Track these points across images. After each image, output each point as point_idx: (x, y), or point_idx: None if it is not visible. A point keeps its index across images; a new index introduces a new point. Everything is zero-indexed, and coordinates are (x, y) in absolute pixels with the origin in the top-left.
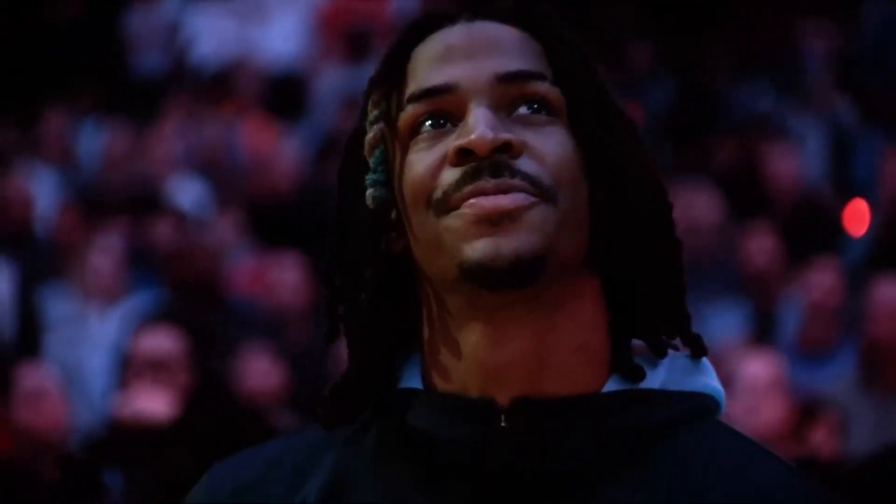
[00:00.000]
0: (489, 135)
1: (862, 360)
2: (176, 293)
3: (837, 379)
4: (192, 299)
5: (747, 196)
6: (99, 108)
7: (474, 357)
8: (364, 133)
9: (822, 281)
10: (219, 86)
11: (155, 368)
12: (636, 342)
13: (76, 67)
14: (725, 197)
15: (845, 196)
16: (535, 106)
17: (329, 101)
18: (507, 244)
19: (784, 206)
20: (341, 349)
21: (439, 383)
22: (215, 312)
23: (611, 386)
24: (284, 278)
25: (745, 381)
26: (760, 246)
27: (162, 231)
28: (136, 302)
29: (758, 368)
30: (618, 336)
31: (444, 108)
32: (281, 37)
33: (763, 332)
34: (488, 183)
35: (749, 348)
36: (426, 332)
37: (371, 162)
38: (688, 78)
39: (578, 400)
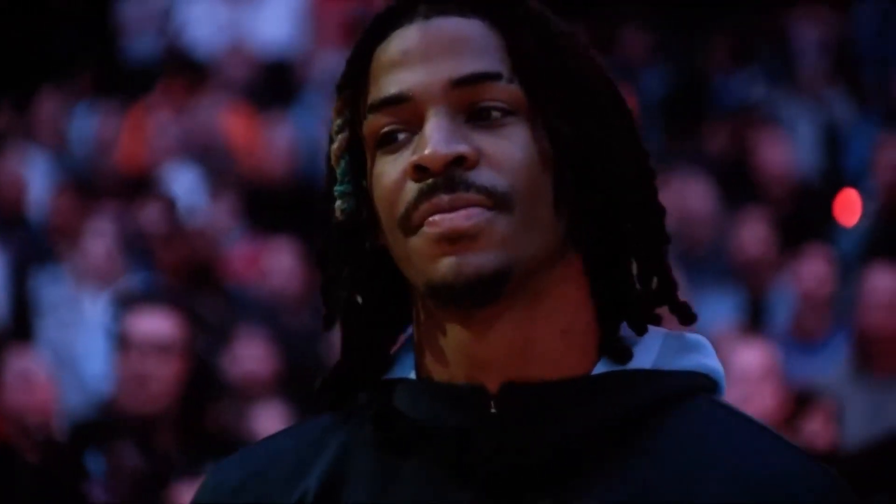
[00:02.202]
0: (441, 150)
1: (855, 349)
2: (169, 277)
3: (830, 368)
4: (185, 284)
5: (740, 184)
6: (92, 93)
7: (459, 349)
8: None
9: (814, 269)
10: (211, 71)
11: (152, 351)
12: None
13: (70, 51)
14: (718, 185)
15: (838, 185)
16: (493, 107)
17: (323, 87)
18: (468, 263)
19: (777, 195)
20: (335, 334)
21: (430, 372)
22: (209, 297)
23: (600, 368)
24: (279, 263)
25: (738, 369)
26: (753, 234)
27: (151, 216)
28: (127, 284)
29: (751, 357)
30: (606, 318)
31: (403, 116)
32: (274, 22)
33: (755, 321)
34: (443, 200)
35: (742, 336)
36: (416, 322)
37: (337, 173)
38: (681, 66)
39: (567, 383)
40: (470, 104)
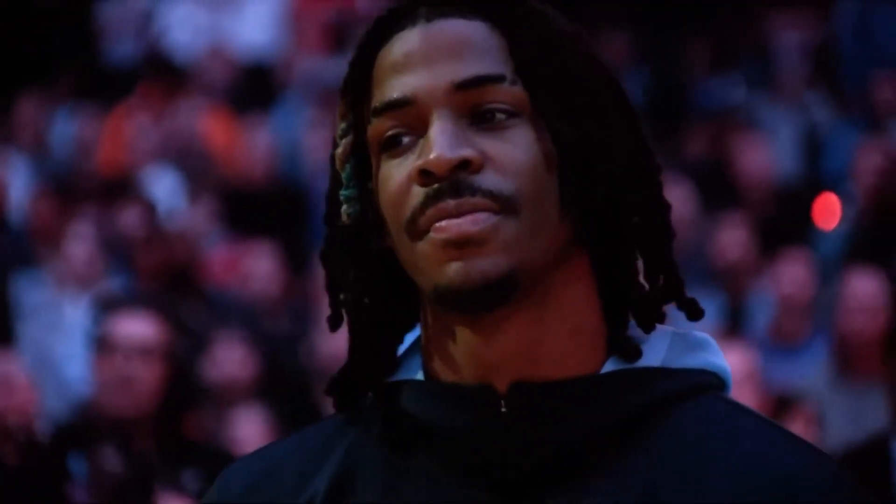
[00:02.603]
0: (446, 155)
1: (835, 353)
2: (148, 281)
3: (810, 372)
4: (165, 287)
5: (719, 188)
6: (73, 96)
7: (468, 351)
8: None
9: (793, 273)
10: (190, 74)
11: (135, 354)
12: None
13: (51, 55)
14: (697, 189)
15: (818, 189)
16: (496, 109)
17: (303, 91)
18: (475, 268)
19: (756, 199)
20: (315, 338)
21: (437, 374)
22: (188, 301)
23: (609, 367)
24: (258, 267)
25: None
26: (732, 238)
27: (130, 219)
28: (108, 288)
29: (730, 361)
30: (614, 316)
31: (407, 120)
32: (254, 26)
33: (735, 325)
34: (449, 205)
35: (721, 340)
36: (423, 324)
37: (343, 177)
38: (661, 69)
39: (576, 382)
40: (473, 107)
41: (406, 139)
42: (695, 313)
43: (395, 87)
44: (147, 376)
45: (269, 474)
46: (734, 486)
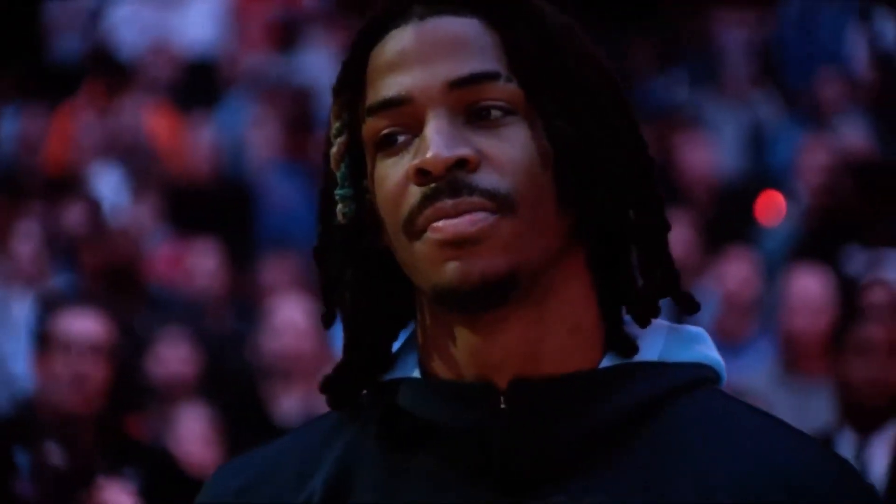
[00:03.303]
0: (442, 154)
1: (780, 351)
2: (92, 278)
3: (754, 370)
4: (109, 285)
5: (663, 186)
6: (17, 94)
7: (467, 350)
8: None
9: (737, 272)
10: (134, 72)
11: (82, 352)
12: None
13: None
14: None
15: (763, 187)
16: (492, 107)
17: (247, 88)
18: (473, 268)
19: (700, 197)
20: (259, 336)
21: (435, 371)
22: (132, 298)
23: (607, 362)
24: (202, 264)
25: None
26: (676, 236)
27: (75, 217)
28: (53, 285)
29: None
30: (610, 311)
31: (402, 119)
32: (198, 23)
33: (679, 323)
34: (446, 204)
35: None
36: (421, 322)
37: (338, 177)
38: None
39: (575, 377)
40: (469, 105)
41: (401, 138)
42: (691, 306)
43: (390, 86)
44: (96, 374)
45: (266, 474)
46: (736, 483)
